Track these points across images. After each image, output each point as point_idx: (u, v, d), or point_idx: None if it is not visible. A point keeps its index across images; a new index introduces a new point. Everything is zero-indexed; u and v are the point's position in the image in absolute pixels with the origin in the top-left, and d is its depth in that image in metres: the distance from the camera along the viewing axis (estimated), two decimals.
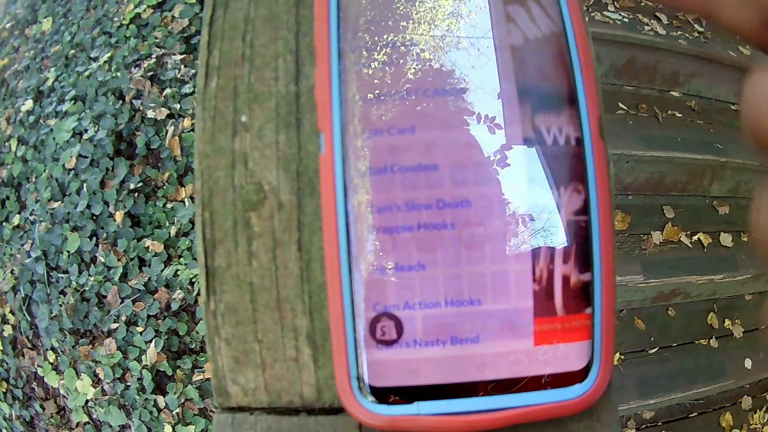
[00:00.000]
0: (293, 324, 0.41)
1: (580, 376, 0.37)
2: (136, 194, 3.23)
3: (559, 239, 0.38)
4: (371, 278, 0.36)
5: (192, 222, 3.09)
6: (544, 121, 0.39)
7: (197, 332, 2.95)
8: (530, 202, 0.38)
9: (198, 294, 2.96)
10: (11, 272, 3.48)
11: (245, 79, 0.44)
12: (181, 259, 3.05)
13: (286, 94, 0.43)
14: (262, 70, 0.44)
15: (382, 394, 0.36)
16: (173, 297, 2.99)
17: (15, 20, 4.98)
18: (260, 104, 0.43)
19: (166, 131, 3.32)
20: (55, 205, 3.39)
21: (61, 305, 3.21)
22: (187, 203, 3.16)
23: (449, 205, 0.37)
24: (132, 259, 3.12)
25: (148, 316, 3.03)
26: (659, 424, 2.97)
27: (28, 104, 3.99)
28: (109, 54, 3.79)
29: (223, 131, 0.43)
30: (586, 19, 0.43)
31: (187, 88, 3.41)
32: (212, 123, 0.43)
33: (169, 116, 3.38)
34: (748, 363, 3.09)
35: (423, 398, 0.36)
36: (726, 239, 3.21)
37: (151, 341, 2.98)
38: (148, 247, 3.11)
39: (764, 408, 3.19)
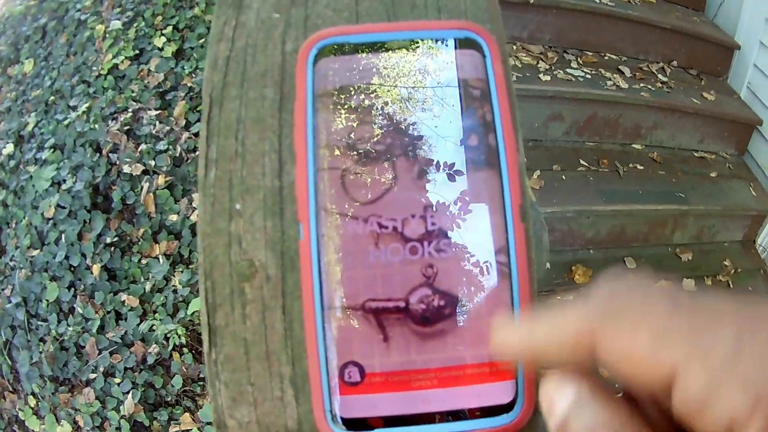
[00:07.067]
0: (279, 371, 0.50)
1: (508, 408, 0.47)
2: (113, 248, 3.30)
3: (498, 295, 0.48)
4: (340, 336, 0.46)
5: (166, 279, 3.17)
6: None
7: (173, 386, 3.01)
8: (488, 251, 0.48)
9: (173, 349, 3.03)
10: None
11: (238, 173, 0.53)
12: (156, 314, 3.11)
13: (272, 187, 0.52)
14: (252, 165, 0.53)
15: (354, 424, 0.46)
16: (149, 351, 3.05)
17: None
18: (251, 195, 0.52)
19: (141, 187, 3.40)
20: (35, 253, 3.44)
21: (41, 352, 3.25)
22: (161, 260, 3.23)
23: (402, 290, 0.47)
24: (109, 312, 3.19)
25: (125, 368, 3.08)
26: None
27: (9, 148, 4.04)
28: (87, 104, 3.84)
29: (221, 216, 0.52)
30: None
31: (161, 145, 3.49)
32: (212, 208, 0.52)
33: (144, 172, 3.45)
34: None
35: (387, 426, 0.46)
36: (689, 285, 3.21)
37: (128, 392, 3.03)
38: (124, 301, 3.18)
39: None
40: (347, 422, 0.46)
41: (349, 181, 0.48)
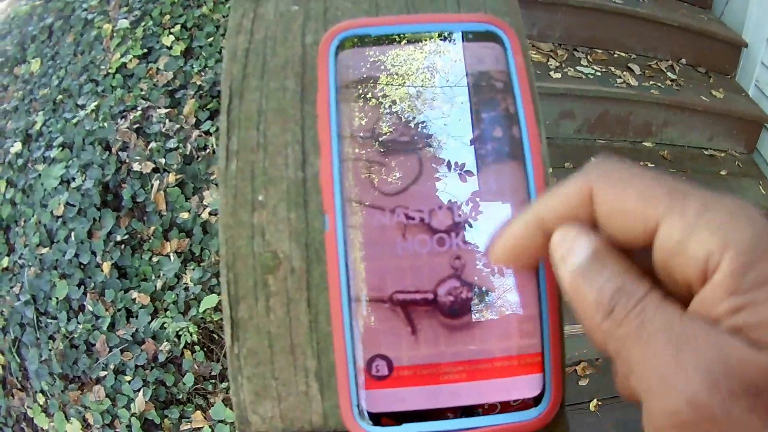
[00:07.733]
0: (304, 365, 0.50)
1: (537, 401, 0.46)
2: (123, 246, 3.30)
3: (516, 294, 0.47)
4: (367, 329, 0.46)
5: (177, 276, 3.17)
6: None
7: (184, 384, 3.00)
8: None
9: (184, 347, 3.03)
10: (0, 313, 3.52)
11: (261, 164, 0.53)
12: (167, 312, 3.10)
13: (295, 179, 0.52)
14: (275, 157, 0.53)
15: (379, 418, 0.45)
16: (160, 349, 3.04)
17: (4, 57, 5.03)
18: (274, 186, 0.52)
19: (152, 185, 3.39)
20: (44, 251, 3.45)
21: (50, 350, 3.25)
22: (172, 258, 3.23)
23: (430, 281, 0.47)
24: (119, 310, 3.18)
25: (136, 366, 3.07)
26: None
27: (17, 146, 4.05)
28: (96, 103, 3.85)
29: (244, 207, 0.52)
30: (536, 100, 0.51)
31: (171, 143, 3.49)
32: (234, 200, 0.52)
33: (155, 170, 3.45)
34: None
35: (412, 421, 0.45)
36: None
37: (139, 390, 3.02)
38: (135, 298, 3.18)
39: None
40: (374, 417, 0.46)
41: (375, 172, 0.48)
